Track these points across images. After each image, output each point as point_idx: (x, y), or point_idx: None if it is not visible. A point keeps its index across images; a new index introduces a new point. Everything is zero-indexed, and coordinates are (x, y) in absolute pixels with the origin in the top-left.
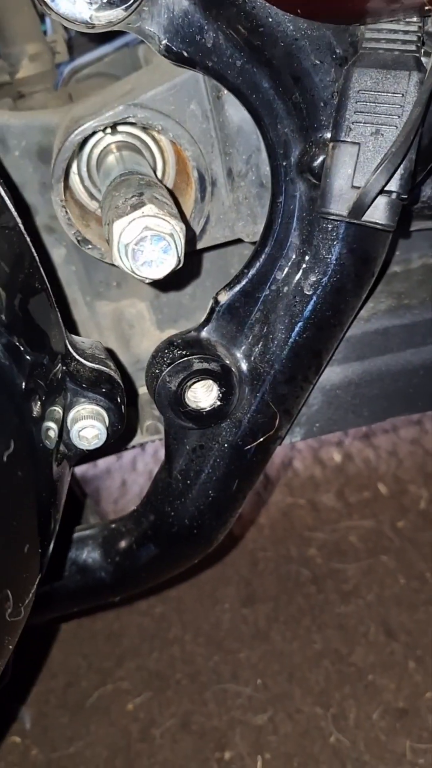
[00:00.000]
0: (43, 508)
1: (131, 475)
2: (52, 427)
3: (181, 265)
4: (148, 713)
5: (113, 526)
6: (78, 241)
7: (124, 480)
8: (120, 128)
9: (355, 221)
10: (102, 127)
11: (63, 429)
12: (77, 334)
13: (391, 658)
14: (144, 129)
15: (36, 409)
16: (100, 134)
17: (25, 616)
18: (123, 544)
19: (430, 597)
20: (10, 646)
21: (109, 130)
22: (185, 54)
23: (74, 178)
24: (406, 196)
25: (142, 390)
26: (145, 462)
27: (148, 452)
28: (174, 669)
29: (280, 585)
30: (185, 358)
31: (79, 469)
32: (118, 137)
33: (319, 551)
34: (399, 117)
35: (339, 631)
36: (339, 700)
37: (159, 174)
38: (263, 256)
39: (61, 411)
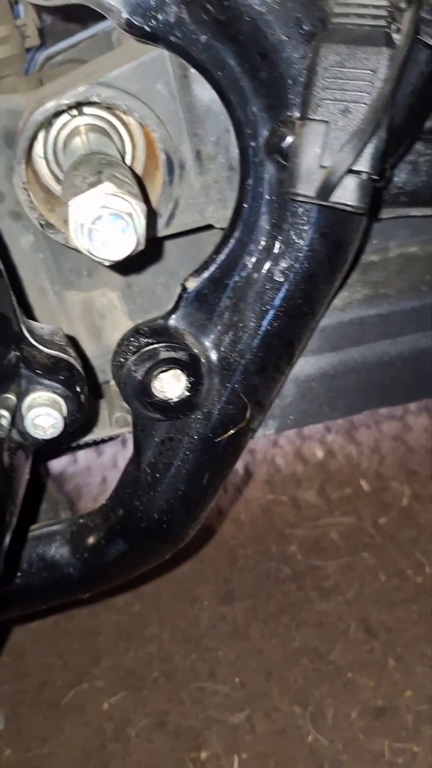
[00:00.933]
0: None
1: (111, 472)
2: (3, 414)
3: (141, 248)
4: (124, 712)
5: (81, 521)
6: (41, 225)
7: (104, 477)
8: (87, 110)
9: (322, 202)
10: (65, 107)
11: (17, 417)
12: (40, 321)
13: (370, 656)
14: (111, 111)
15: None
16: (66, 116)
17: None
18: (91, 539)
19: (410, 595)
20: None
21: (75, 112)
22: (147, 29)
23: (40, 161)
24: (377, 177)
25: (112, 382)
26: (125, 459)
27: (128, 449)
28: (150, 667)
29: (259, 582)
30: (151, 347)
31: (59, 466)
32: (86, 119)
33: (299, 548)
34: (369, 94)
35: (318, 628)
36: (317, 699)
37: (128, 158)
38: (232, 241)
39: (14, 398)
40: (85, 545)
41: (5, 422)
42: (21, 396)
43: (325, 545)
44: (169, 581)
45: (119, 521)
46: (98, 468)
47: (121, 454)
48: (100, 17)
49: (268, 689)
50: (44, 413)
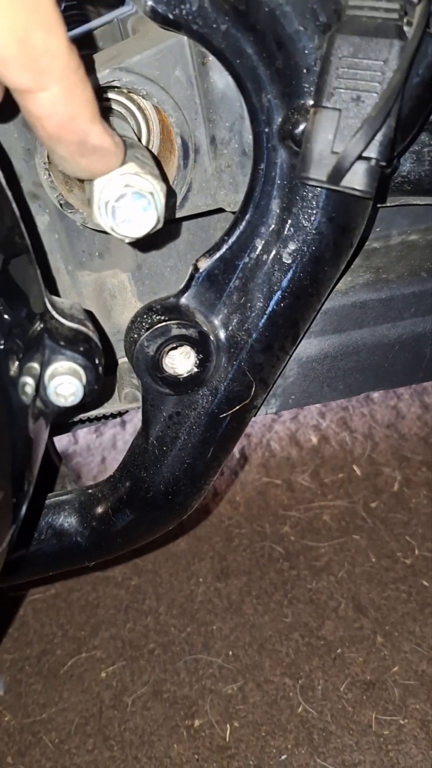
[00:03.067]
0: (18, 460)
1: (111, 452)
2: (28, 382)
3: (160, 226)
4: (121, 681)
5: (90, 491)
6: (60, 204)
7: (104, 457)
8: (105, 94)
9: (333, 187)
10: None
11: (40, 385)
12: (57, 295)
13: (359, 632)
14: (129, 96)
15: (13, 366)
16: None
17: None
18: (99, 509)
19: (399, 575)
20: None
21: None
22: (170, 16)
23: None
24: (385, 163)
25: (122, 359)
26: (125, 440)
27: (128, 430)
28: (147, 639)
29: (253, 560)
30: (164, 323)
31: (60, 445)
32: (104, 103)
33: (292, 529)
34: (380, 84)
35: (310, 605)
36: (308, 672)
37: (143, 142)
38: (243, 224)
39: (38, 367)
40: (93, 515)
41: (30, 389)
42: (44, 365)
43: (317, 527)
44: (166, 558)
45: (127, 492)
46: (98, 448)
47: (120, 436)
48: (116, 4)
49: (260, 662)
50: (66, 381)
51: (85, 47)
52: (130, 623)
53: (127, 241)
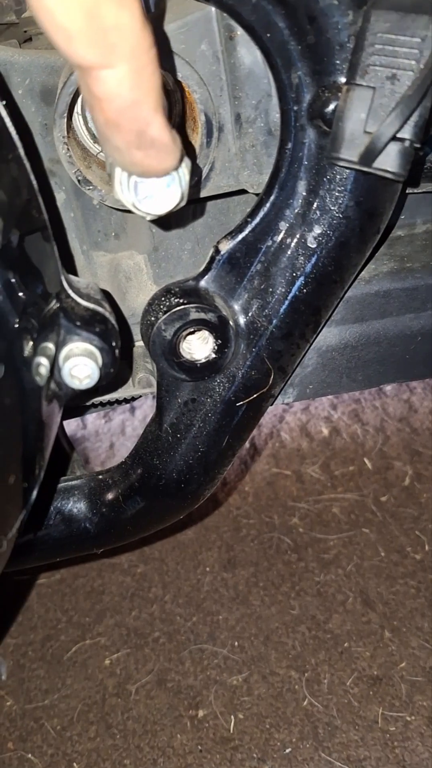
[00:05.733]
0: (30, 444)
1: (119, 438)
2: (43, 363)
3: (184, 203)
4: (125, 669)
5: (100, 477)
6: (78, 180)
7: (112, 443)
8: None
9: (364, 168)
10: None
11: (55, 366)
12: (74, 274)
13: (367, 627)
14: None
15: (28, 346)
16: None
17: (7, 551)
18: (110, 495)
19: (408, 570)
20: None
21: None
22: None
23: (78, 119)
24: (419, 145)
25: (137, 343)
26: (133, 426)
27: (137, 416)
28: (152, 627)
29: (261, 551)
30: (182, 307)
31: (68, 430)
32: None
33: (301, 521)
34: (416, 62)
35: (317, 598)
36: (314, 665)
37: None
38: (267, 205)
39: (53, 347)
40: (103, 501)
41: (44, 370)
42: (59, 346)
43: (327, 519)
44: (173, 546)
45: (138, 479)
46: (106, 434)
47: (129, 422)
48: None
49: (266, 654)
50: (81, 363)
51: None
52: (135, 611)
53: (148, 218)
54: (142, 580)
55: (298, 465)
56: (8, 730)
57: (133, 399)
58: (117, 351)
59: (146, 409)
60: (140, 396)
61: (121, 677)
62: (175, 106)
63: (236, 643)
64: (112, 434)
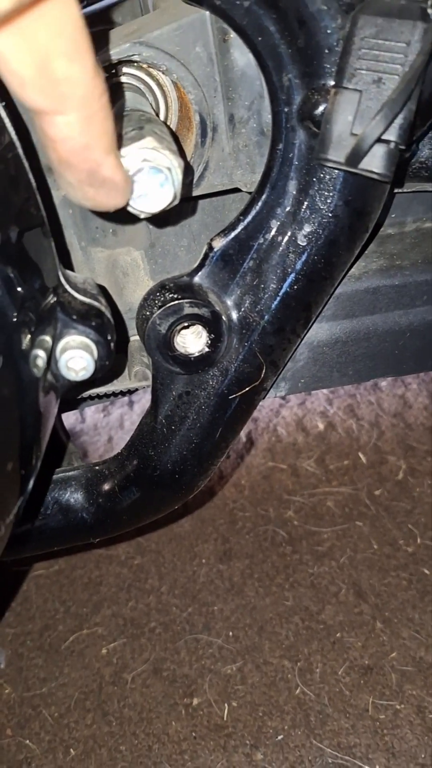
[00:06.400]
0: (27, 433)
1: (118, 432)
2: (40, 355)
3: (176, 202)
4: (121, 658)
5: (97, 468)
6: None
7: (110, 437)
8: (124, 69)
9: (351, 169)
10: (106, 64)
11: (51, 359)
12: (71, 270)
13: (359, 617)
14: (147, 72)
15: (26, 339)
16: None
17: (5, 535)
18: (106, 486)
19: (401, 563)
20: None
21: (113, 70)
22: None
23: None
24: (404, 147)
25: (133, 337)
26: (132, 420)
27: (135, 411)
28: (149, 617)
29: (256, 544)
30: (176, 302)
31: (67, 424)
32: (122, 78)
33: (296, 514)
34: (401, 66)
35: (311, 589)
36: (306, 655)
37: (161, 118)
38: (259, 204)
39: (50, 340)
40: (99, 491)
41: (41, 362)
42: (56, 339)
43: (321, 512)
44: (170, 538)
45: (134, 470)
46: (105, 428)
47: (127, 416)
48: None
49: (260, 644)
50: (77, 356)
51: (103, 22)
52: (132, 602)
53: (142, 216)
54: (139, 572)
55: (293, 459)
56: (7, 717)
57: (130, 392)
58: (112, 344)
59: (144, 403)
60: (137, 389)
61: (117, 666)
62: (170, 106)
63: (231, 634)
64: (110, 428)
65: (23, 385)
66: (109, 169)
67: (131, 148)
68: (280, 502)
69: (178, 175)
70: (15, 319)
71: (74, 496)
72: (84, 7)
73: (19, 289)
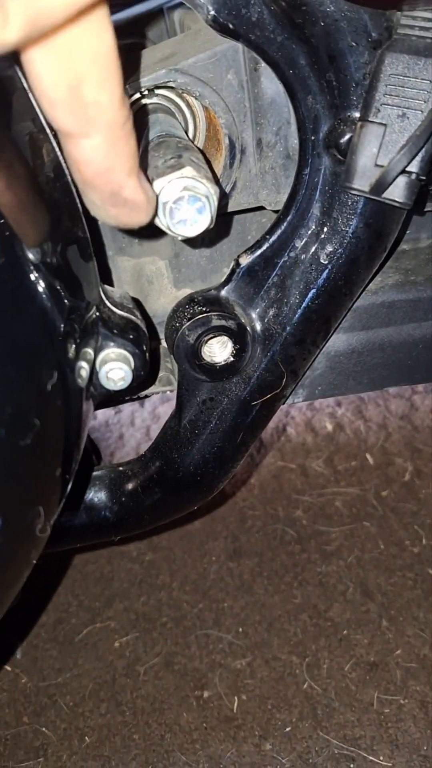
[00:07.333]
0: (71, 440)
1: (129, 429)
2: (84, 367)
3: (212, 226)
4: (134, 651)
5: (121, 469)
6: None
7: (121, 434)
8: (157, 90)
9: (375, 197)
10: (142, 89)
11: (93, 370)
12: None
13: (366, 616)
14: (179, 93)
15: (71, 350)
16: (136, 94)
17: (47, 535)
18: (129, 486)
19: (407, 563)
20: (34, 561)
21: (146, 91)
22: (231, 26)
23: None
24: (424, 178)
25: (157, 344)
26: (143, 418)
27: (146, 409)
28: (160, 612)
29: (265, 542)
30: (205, 314)
31: None
32: (154, 99)
33: (305, 513)
34: (425, 102)
35: (319, 588)
36: (314, 651)
37: (190, 137)
38: (285, 224)
39: (92, 353)
40: (123, 491)
41: (85, 373)
42: (97, 351)
43: (329, 512)
44: (181, 536)
45: (157, 471)
46: (116, 425)
47: (138, 413)
48: None
49: (269, 640)
50: (117, 367)
51: (133, 35)
52: (143, 597)
53: (180, 239)
54: (151, 568)
55: (302, 459)
56: (23, 706)
57: (148, 396)
58: (147, 355)
59: (155, 402)
60: (162, 392)
61: (130, 659)
62: (199, 126)
63: (240, 629)
64: (122, 425)
65: (70, 396)
66: (131, 190)
67: (172, 177)
68: (289, 501)
69: (214, 202)
70: (64, 331)
71: (98, 495)
72: (112, 14)
73: (66, 302)
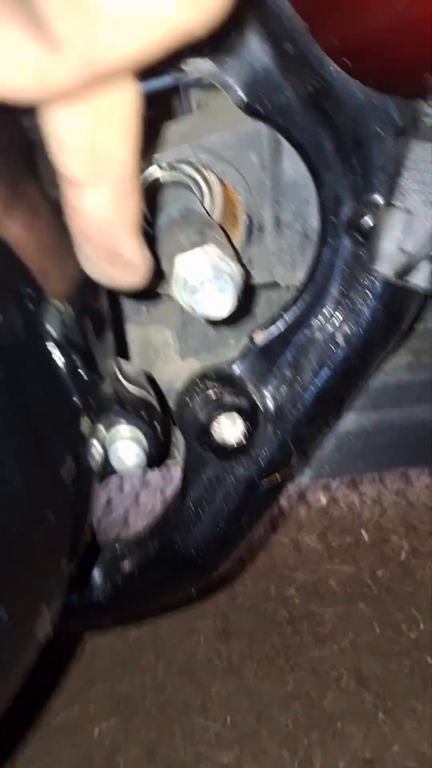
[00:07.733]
0: (79, 525)
1: (118, 495)
2: (96, 446)
3: (236, 307)
4: (114, 740)
5: (116, 546)
6: None
7: (109, 499)
8: (176, 164)
9: (399, 282)
10: (164, 163)
11: (104, 449)
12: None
13: (361, 707)
14: (198, 170)
15: (86, 428)
16: (155, 168)
17: (50, 636)
18: (125, 566)
19: (404, 649)
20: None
21: (164, 164)
22: (260, 109)
23: None
24: None
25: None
26: (132, 484)
27: (151, 487)
28: (144, 696)
29: (256, 622)
30: (216, 390)
31: None
32: (173, 173)
33: (297, 592)
34: None
35: (311, 674)
36: (306, 746)
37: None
38: (301, 303)
39: (104, 431)
40: (118, 571)
41: (98, 455)
42: (108, 429)
43: (323, 591)
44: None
45: (155, 551)
46: (104, 491)
47: (127, 480)
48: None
49: (258, 730)
50: (128, 447)
51: (150, 107)
52: (126, 678)
53: (203, 319)
54: (135, 647)
55: (295, 532)
56: None
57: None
58: (160, 435)
59: (158, 476)
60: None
61: (109, 748)
62: (215, 201)
63: (228, 718)
64: (110, 492)
65: (82, 480)
66: (129, 250)
67: (196, 254)
68: (281, 578)
69: (238, 282)
70: (79, 408)
71: (92, 575)
72: None
73: (85, 377)
